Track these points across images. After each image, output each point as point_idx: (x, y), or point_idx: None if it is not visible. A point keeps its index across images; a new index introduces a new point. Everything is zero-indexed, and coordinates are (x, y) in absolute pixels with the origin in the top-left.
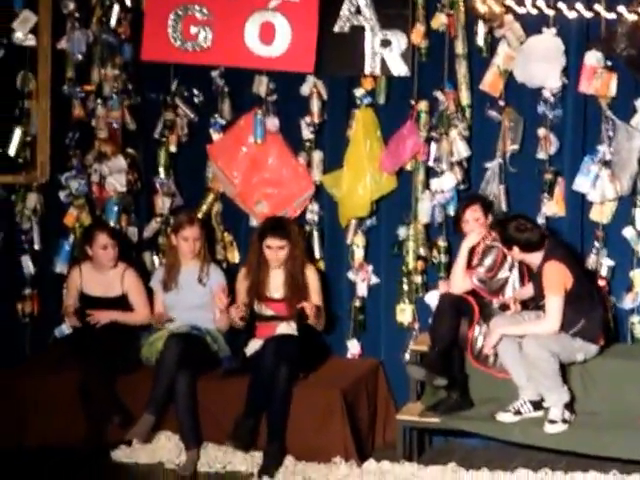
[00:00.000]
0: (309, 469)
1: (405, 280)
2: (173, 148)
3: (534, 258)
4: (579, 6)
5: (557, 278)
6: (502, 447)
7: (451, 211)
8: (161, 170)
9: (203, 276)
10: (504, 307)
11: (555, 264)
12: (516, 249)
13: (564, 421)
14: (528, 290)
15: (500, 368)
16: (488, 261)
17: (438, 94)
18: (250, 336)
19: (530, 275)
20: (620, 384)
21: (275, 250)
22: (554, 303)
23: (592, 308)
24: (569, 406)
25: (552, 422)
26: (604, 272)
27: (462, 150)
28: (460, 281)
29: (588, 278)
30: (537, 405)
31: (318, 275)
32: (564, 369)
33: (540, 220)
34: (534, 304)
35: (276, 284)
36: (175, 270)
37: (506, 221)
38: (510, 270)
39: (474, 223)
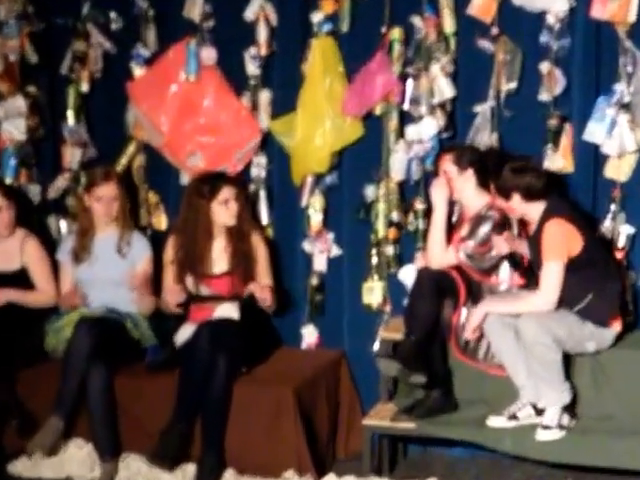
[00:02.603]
0: None
1: (374, 252)
2: (85, 87)
3: (537, 211)
4: None
5: (559, 240)
6: (493, 459)
7: (431, 166)
8: (69, 114)
9: (123, 246)
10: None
11: (558, 222)
12: (516, 197)
13: (561, 427)
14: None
15: (491, 362)
16: (481, 233)
17: (415, 20)
18: (181, 321)
19: (528, 240)
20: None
21: (232, 203)
22: (552, 270)
23: (603, 282)
24: (570, 409)
25: (545, 427)
26: (622, 241)
27: (445, 90)
28: (439, 254)
29: (601, 245)
30: (541, 409)
31: (266, 244)
32: (569, 362)
33: None
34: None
35: (217, 256)
36: (88, 238)
37: (500, 164)
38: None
39: (444, 177)
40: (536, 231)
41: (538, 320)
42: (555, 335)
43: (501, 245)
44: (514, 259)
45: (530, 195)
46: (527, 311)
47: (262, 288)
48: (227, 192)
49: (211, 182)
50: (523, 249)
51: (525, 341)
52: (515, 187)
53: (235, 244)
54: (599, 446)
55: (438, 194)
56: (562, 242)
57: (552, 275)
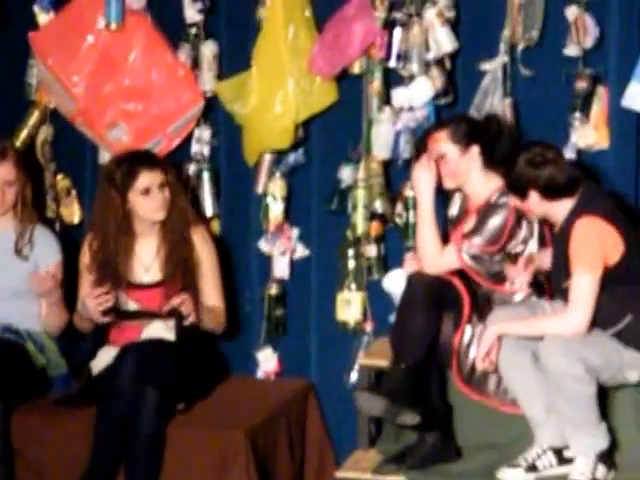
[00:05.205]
0: None
1: (351, 253)
2: None
3: (562, 210)
4: None
5: (593, 244)
6: None
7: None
8: None
9: (23, 244)
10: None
11: (592, 222)
12: (534, 195)
13: None
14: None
15: (505, 396)
16: (491, 226)
17: None
18: (100, 342)
19: (553, 240)
20: None
21: (156, 192)
22: (583, 284)
23: None
24: (607, 457)
25: None
26: None
27: (444, 41)
28: (434, 255)
29: None
30: (564, 456)
31: (213, 243)
32: (605, 397)
33: (569, 155)
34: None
35: (148, 261)
36: None
37: (513, 153)
38: (525, 243)
39: (440, 162)
40: (562, 231)
41: (566, 345)
42: (588, 363)
43: (518, 278)
44: (539, 283)
45: (551, 192)
46: (552, 333)
47: (182, 299)
48: (147, 178)
49: (126, 165)
50: (548, 262)
51: (549, 371)
52: (532, 182)
53: (170, 244)
54: None
55: (422, 179)
56: (597, 247)
57: (584, 290)
